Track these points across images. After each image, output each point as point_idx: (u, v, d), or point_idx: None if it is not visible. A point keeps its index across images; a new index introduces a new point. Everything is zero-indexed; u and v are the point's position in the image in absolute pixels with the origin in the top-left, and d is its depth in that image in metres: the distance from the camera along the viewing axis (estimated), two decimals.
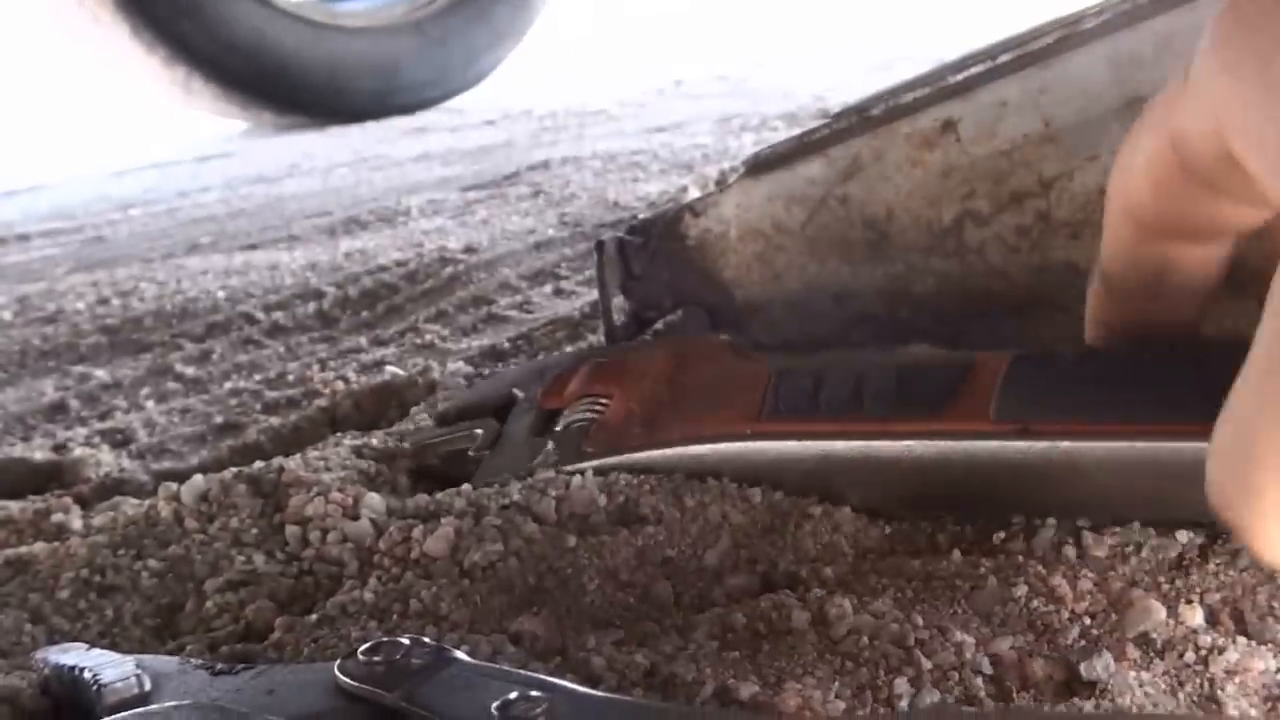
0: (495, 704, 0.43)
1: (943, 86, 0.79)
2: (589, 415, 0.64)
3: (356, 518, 0.65)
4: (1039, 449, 0.51)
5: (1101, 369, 0.52)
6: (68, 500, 0.78)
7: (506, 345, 1.07)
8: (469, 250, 1.43)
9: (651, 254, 0.83)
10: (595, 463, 0.62)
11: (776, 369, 0.59)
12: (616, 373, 0.65)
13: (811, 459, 0.56)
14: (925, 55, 2.15)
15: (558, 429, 0.66)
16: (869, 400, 0.55)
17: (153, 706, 0.47)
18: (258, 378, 1.10)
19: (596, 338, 0.99)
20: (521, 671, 0.46)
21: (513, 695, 0.43)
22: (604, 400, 0.64)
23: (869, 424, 0.54)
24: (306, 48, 2.86)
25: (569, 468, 0.63)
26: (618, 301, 0.83)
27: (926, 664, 0.49)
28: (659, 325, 0.87)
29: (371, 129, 2.80)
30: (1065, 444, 0.51)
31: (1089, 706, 0.47)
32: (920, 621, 0.51)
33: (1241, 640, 0.50)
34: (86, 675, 0.50)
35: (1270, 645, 0.50)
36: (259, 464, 0.73)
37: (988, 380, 0.53)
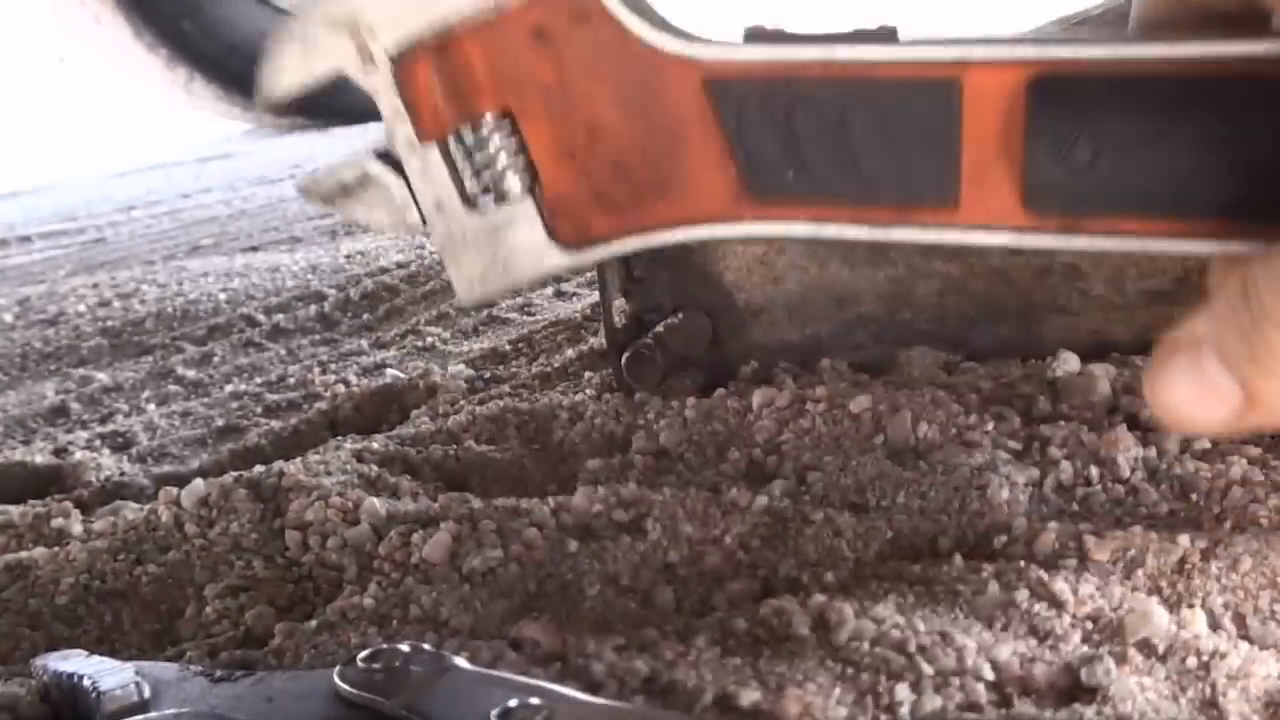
0: (495, 711, 0.43)
1: None
2: (515, 162, 0.46)
3: (356, 523, 0.65)
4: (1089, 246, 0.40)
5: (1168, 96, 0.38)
6: (68, 505, 0.78)
7: (507, 347, 1.07)
8: None
9: (652, 256, 0.83)
10: (573, 259, 0.46)
11: (721, 107, 0.42)
12: (493, 74, 0.45)
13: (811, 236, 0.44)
14: (931, 24, 2.14)
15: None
16: (861, 175, 0.41)
17: (151, 715, 0.47)
18: (258, 380, 1.10)
19: (598, 340, 0.99)
20: (521, 678, 0.46)
21: (512, 703, 0.43)
22: (513, 127, 0.45)
23: (880, 210, 0.41)
24: None
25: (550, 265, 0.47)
26: (618, 304, 0.83)
27: (928, 670, 0.49)
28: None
29: (374, 130, 2.80)
30: (1113, 243, 0.39)
31: (1090, 712, 0.47)
32: (921, 627, 0.51)
33: (1244, 645, 0.50)
34: (86, 682, 0.50)
35: (1273, 650, 0.50)
36: (259, 468, 0.73)
37: (998, 139, 0.39)
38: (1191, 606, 0.52)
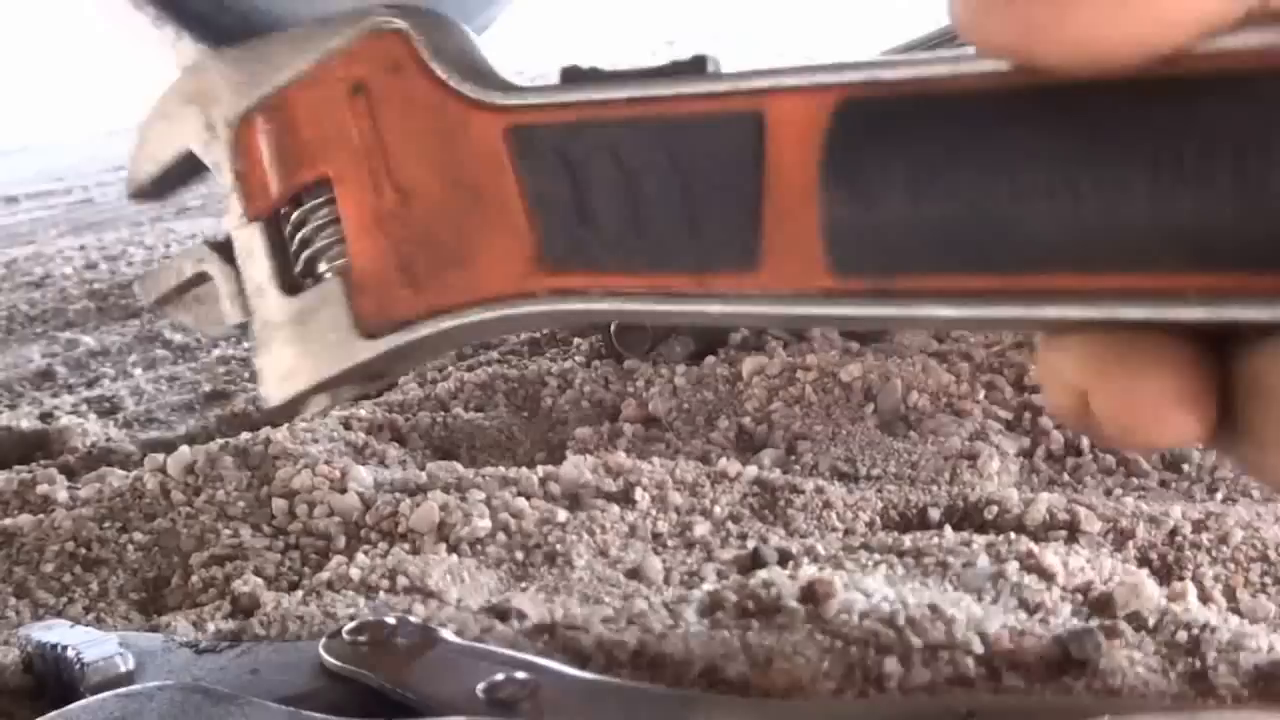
0: (481, 685, 0.43)
1: None
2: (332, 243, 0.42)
3: (344, 491, 0.65)
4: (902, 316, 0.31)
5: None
6: (53, 471, 0.78)
7: None
8: None
9: None
10: (377, 349, 0.41)
11: (520, 156, 0.38)
12: (314, 137, 0.41)
13: (614, 314, 0.39)
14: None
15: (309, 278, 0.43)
16: (658, 233, 0.35)
17: (135, 687, 0.47)
18: (246, 345, 1.09)
19: None
20: (508, 652, 0.46)
21: (499, 676, 0.43)
22: (329, 199, 0.42)
23: (676, 277, 0.35)
24: (298, 7, 2.84)
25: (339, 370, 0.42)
26: None
27: (917, 642, 0.48)
28: None
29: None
30: (939, 311, 0.30)
31: (1079, 686, 0.46)
32: (911, 599, 0.51)
33: (1234, 619, 0.50)
34: (70, 653, 0.50)
35: (1263, 623, 0.50)
36: (246, 435, 0.72)
37: (802, 179, 0.32)
38: (1182, 579, 0.52)
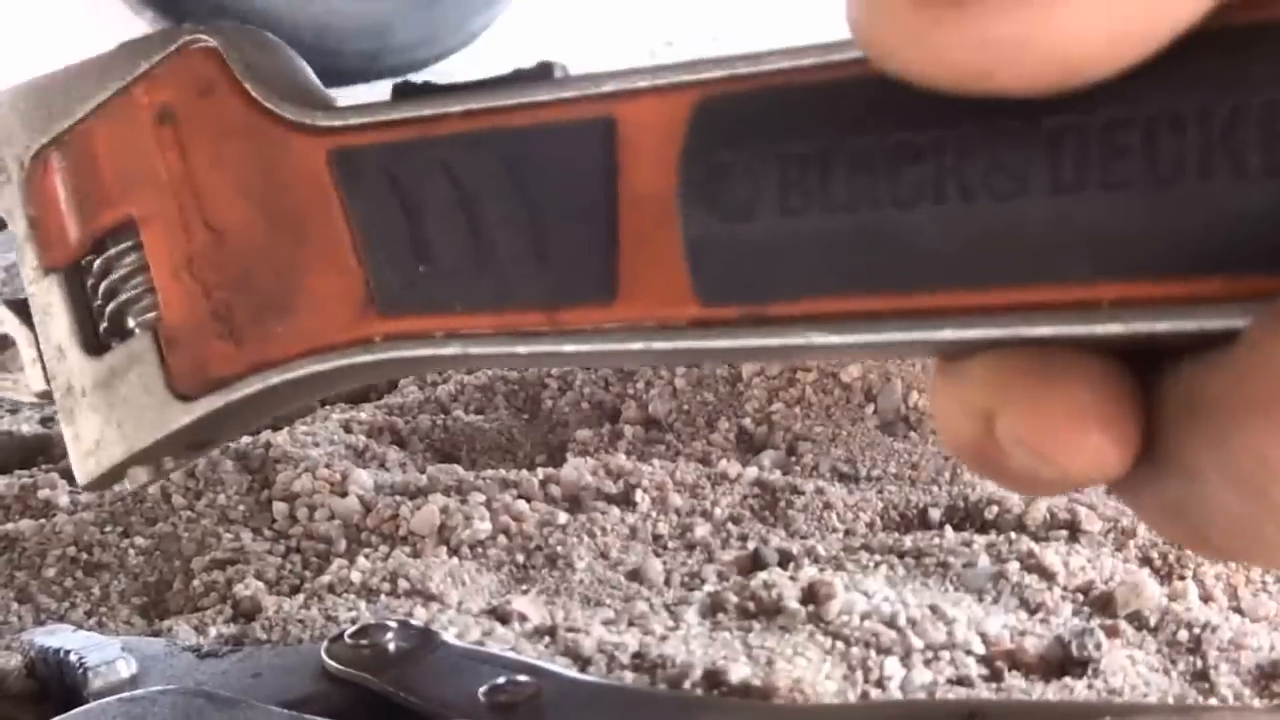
0: (482, 689, 0.43)
1: None
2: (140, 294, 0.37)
3: (345, 494, 0.65)
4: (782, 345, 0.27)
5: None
6: (54, 475, 0.77)
7: None
8: None
9: None
10: (194, 412, 0.36)
11: (346, 184, 0.33)
12: (116, 174, 0.37)
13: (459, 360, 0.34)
14: None
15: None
16: (503, 264, 0.31)
17: (138, 692, 0.47)
18: None
19: None
20: (509, 655, 0.46)
21: (500, 680, 0.43)
22: (135, 243, 0.37)
23: (525, 313, 0.31)
24: (296, 9, 2.83)
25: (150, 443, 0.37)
26: None
27: (918, 643, 0.48)
28: None
29: (362, 92, 2.77)
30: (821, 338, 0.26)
31: (1081, 686, 0.46)
32: (912, 600, 0.51)
33: (1235, 617, 0.50)
34: (73, 658, 0.50)
35: (1264, 622, 0.50)
36: (246, 439, 0.72)
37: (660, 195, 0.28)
38: (1183, 578, 0.52)
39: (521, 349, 0.30)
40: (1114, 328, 0.22)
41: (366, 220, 0.32)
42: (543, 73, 0.30)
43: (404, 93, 0.32)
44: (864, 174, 0.24)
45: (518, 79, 0.30)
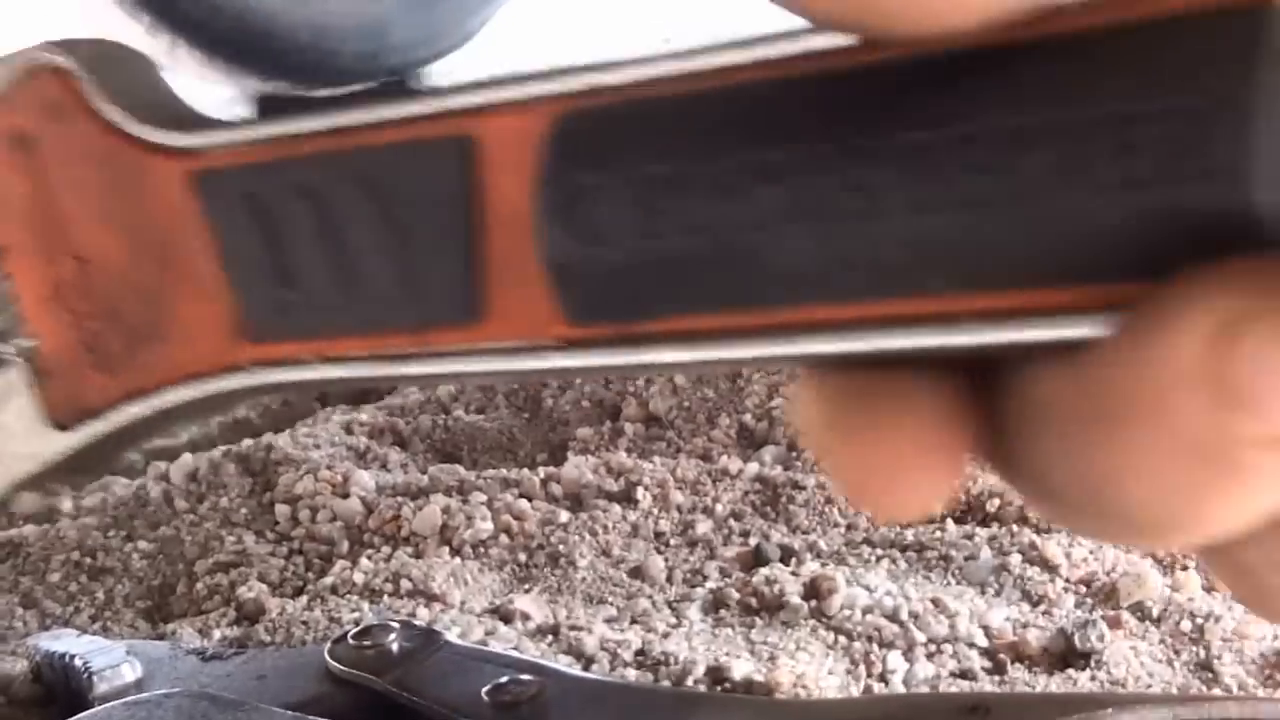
0: (486, 688, 0.43)
1: None
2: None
3: (346, 495, 0.65)
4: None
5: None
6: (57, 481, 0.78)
7: None
8: None
9: None
10: (70, 440, 0.37)
11: (209, 207, 0.32)
12: None
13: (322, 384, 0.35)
14: None
15: None
16: (368, 287, 0.31)
17: (143, 695, 0.47)
18: None
19: None
20: (512, 654, 0.46)
21: (504, 679, 0.43)
22: (5, 273, 0.37)
23: (392, 336, 0.31)
24: (292, 10, 2.83)
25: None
26: None
27: (920, 637, 0.48)
28: None
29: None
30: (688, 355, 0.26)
31: (1084, 677, 0.47)
32: (914, 594, 0.51)
33: (1238, 608, 0.50)
34: (78, 662, 0.50)
35: None
36: (248, 441, 0.73)
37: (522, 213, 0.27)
38: (1186, 569, 0.52)
39: (394, 370, 0.30)
40: (971, 339, 0.21)
41: (231, 245, 0.31)
42: (400, 87, 0.29)
43: (268, 109, 0.30)
44: (721, 196, 0.23)
45: (377, 94, 0.29)
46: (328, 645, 0.47)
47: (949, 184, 0.21)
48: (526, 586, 0.56)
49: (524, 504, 0.60)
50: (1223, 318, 0.16)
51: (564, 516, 0.59)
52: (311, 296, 0.30)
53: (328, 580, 0.58)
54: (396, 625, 0.47)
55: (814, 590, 0.52)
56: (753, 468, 0.63)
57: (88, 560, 0.65)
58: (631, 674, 0.48)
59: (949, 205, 0.21)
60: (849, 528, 0.58)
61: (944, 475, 0.20)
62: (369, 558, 0.59)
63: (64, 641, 0.53)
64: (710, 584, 0.54)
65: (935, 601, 0.50)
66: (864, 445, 0.20)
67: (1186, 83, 0.19)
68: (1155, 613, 0.50)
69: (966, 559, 0.53)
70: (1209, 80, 0.19)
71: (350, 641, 0.47)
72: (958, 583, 0.52)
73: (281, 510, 0.66)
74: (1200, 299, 0.16)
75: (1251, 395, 0.16)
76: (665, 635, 0.50)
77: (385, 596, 0.56)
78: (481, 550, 0.58)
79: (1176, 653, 0.48)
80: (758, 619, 0.51)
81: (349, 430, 0.75)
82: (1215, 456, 0.16)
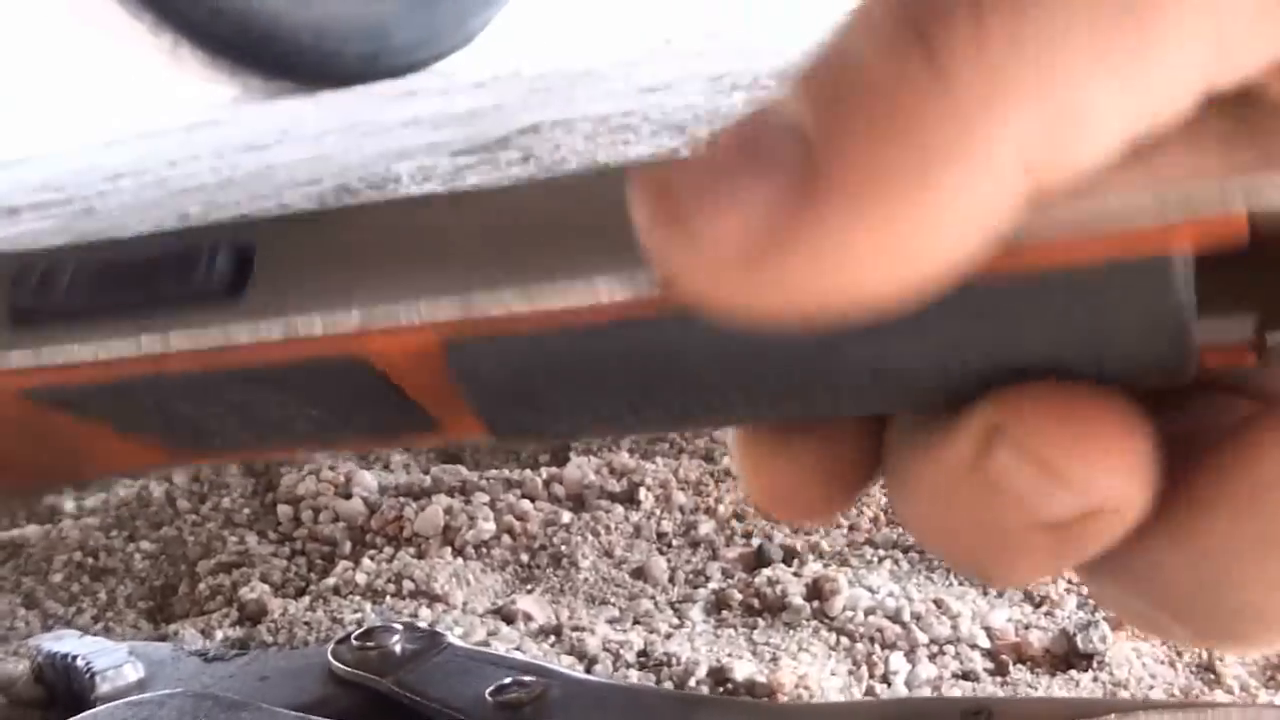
0: (489, 689, 0.43)
1: None
2: None
3: (349, 496, 0.65)
4: None
5: None
6: None
7: None
8: None
9: None
10: None
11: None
12: None
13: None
14: None
15: None
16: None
17: (145, 695, 0.47)
18: None
19: None
20: (515, 655, 0.46)
21: (506, 680, 0.43)
22: None
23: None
24: (295, 11, 2.84)
25: None
26: None
27: (922, 638, 0.48)
28: None
29: (361, 93, 2.78)
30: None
31: (1086, 679, 0.47)
32: (916, 595, 0.51)
33: None
34: (80, 663, 0.50)
35: None
36: None
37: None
38: None
39: None
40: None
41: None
42: (230, 284, 0.22)
43: (24, 316, 0.22)
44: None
45: (192, 295, 0.22)
46: (330, 646, 0.47)
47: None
48: (529, 587, 0.56)
49: (526, 504, 0.60)
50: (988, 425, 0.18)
51: (566, 517, 0.59)
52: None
53: (330, 581, 0.58)
54: (399, 626, 0.47)
55: (816, 591, 0.52)
56: None
57: (90, 560, 0.65)
58: (634, 675, 0.48)
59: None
60: (851, 528, 0.58)
61: (837, 496, 0.23)
62: (371, 558, 0.59)
63: (66, 642, 0.53)
64: (713, 585, 0.54)
65: (938, 602, 0.50)
66: (772, 471, 0.23)
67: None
68: None
69: None
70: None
71: (353, 642, 0.47)
72: (960, 584, 0.52)
73: (284, 511, 0.66)
74: (979, 413, 0.19)
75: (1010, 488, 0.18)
76: (668, 636, 0.50)
77: (388, 597, 0.56)
78: (484, 551, 0.58)
79: (1179, 654, 0.48)
80: (760, 620, 0.51)
81: None
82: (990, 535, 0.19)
